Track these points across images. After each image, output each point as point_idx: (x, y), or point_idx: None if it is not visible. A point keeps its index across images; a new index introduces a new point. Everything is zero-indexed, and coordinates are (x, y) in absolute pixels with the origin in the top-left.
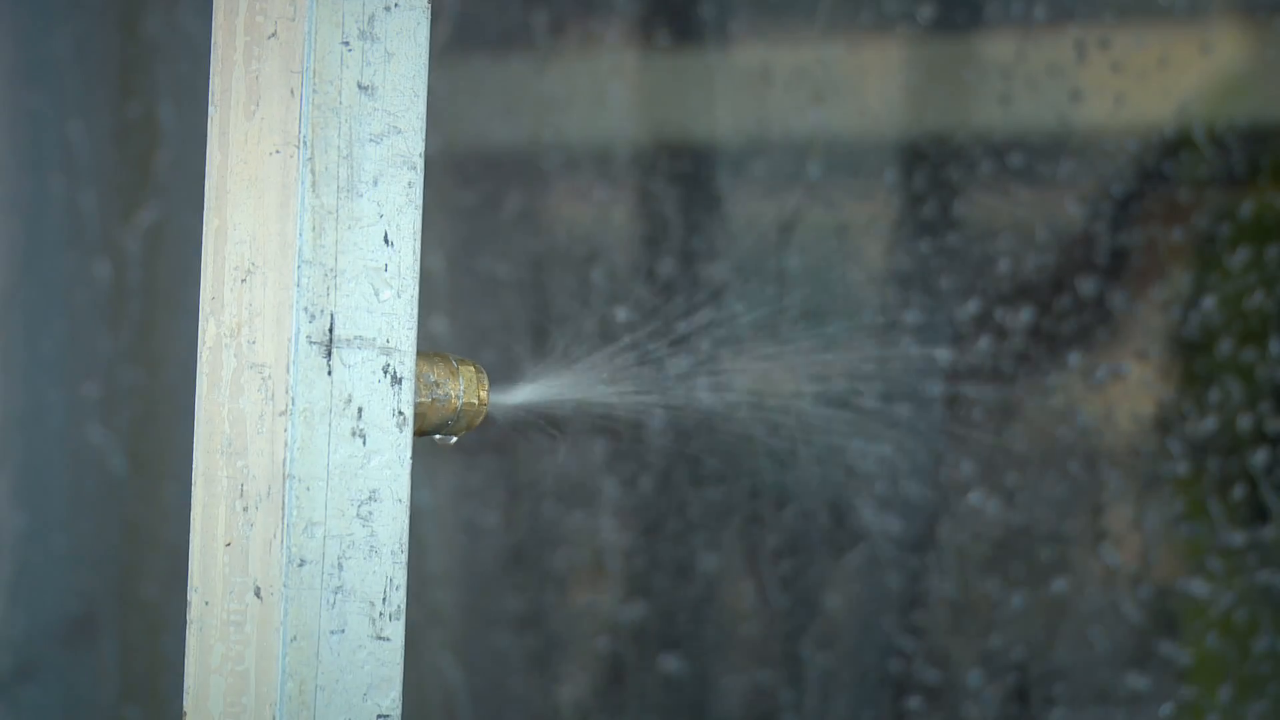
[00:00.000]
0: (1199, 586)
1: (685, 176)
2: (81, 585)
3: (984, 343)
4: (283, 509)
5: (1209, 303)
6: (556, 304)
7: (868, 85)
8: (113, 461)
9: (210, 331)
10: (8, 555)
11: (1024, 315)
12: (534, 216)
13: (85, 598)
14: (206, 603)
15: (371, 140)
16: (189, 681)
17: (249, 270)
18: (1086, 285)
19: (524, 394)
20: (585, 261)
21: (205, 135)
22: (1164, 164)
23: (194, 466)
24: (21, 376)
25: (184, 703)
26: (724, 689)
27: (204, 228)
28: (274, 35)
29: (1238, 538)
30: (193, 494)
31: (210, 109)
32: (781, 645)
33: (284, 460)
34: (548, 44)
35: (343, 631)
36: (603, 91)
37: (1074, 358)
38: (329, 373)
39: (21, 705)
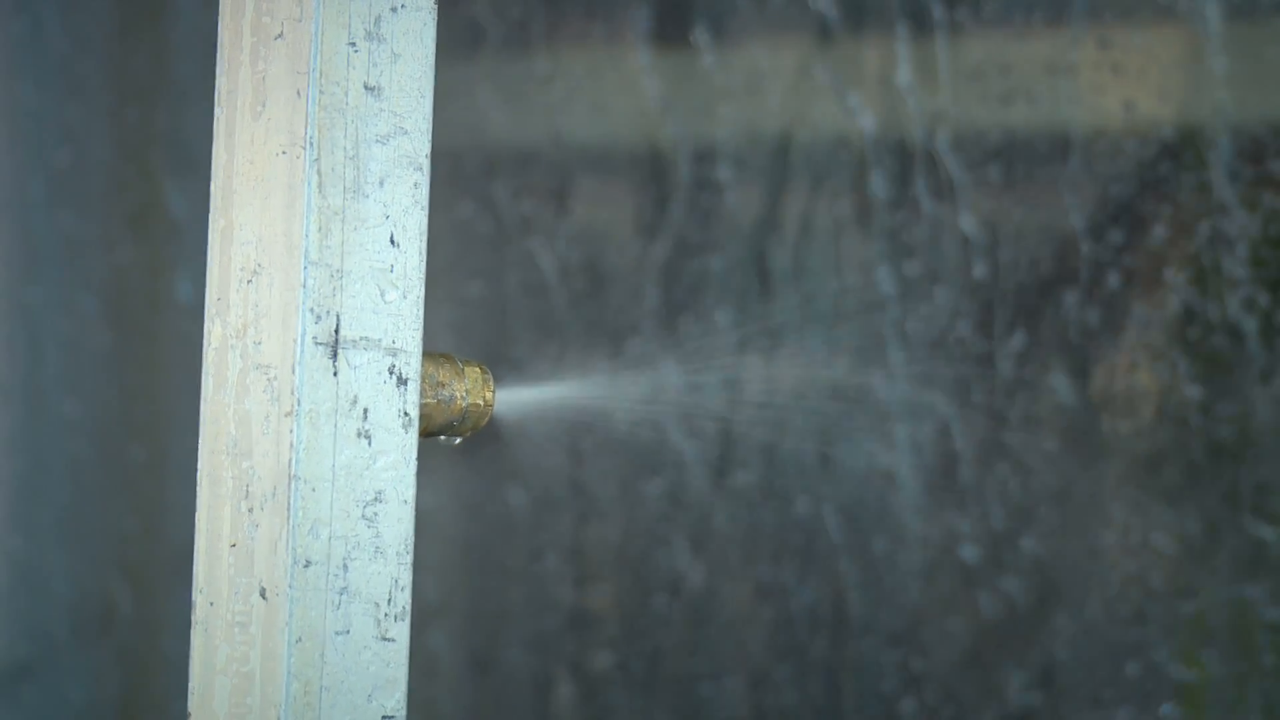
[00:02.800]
0: (1199, 587)
1: (685, 176)
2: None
3: (981, 344)
4: (288, 510)
5: (1208, 303)
6: (559, 305)
7: (869, 86)
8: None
9: (216, 332)
10: (7, 555)
11: (1022, 316)
12: (536, 217)
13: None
14: (211, 604)
15: (378, 141)
16: (194, 683)
17: (255, 271)
18: (1085, 285)
19: (530, 395)
20: (589, 261)
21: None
22: (1164, 164)
23: (199, 467)
24: (21, 380)
25: (189, 704)
26: (725, 692)
27: (210, 228)
28: (280, 36)
29: (1240, 539)
30: (198, 494)
31: (216, 109)
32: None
33: (289, 461)
34: (549, 43)
35: (348, 632)
36: (605, 91)
37: (1073, 359)
38: (335, 374)
39: (21, 705)
